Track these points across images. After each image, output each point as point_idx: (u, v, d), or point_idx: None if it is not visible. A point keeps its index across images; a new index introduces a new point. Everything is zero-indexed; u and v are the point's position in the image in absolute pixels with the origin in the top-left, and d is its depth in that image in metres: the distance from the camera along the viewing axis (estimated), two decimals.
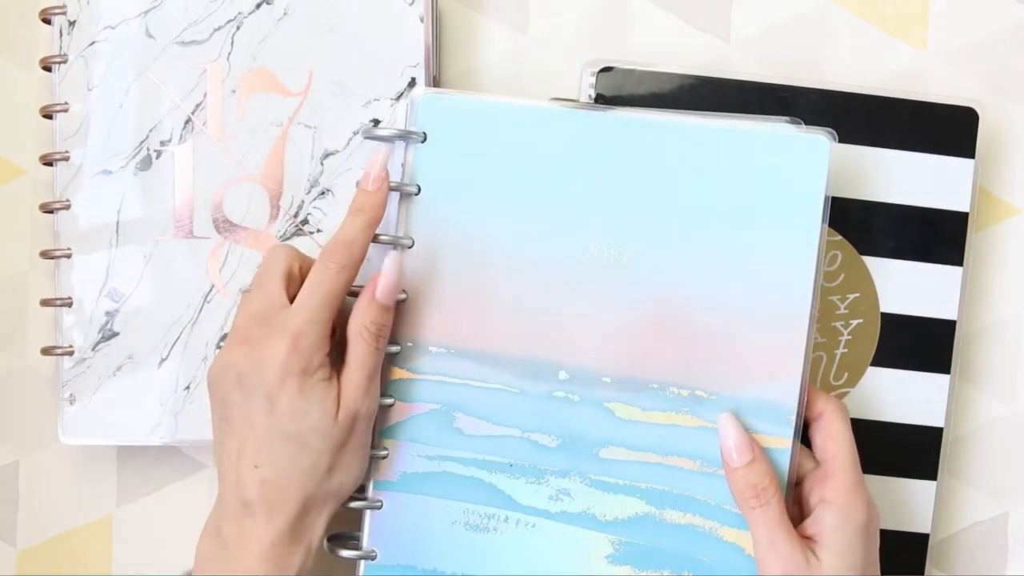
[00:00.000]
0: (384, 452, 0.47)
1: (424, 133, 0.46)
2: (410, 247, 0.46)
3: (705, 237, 0.46)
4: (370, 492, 0.47)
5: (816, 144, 0.45)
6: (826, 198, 0.45)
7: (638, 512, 0.46)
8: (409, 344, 0.46)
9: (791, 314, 0.45)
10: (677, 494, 0.46)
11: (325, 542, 0.47)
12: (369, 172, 0.45)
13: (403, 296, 0.46)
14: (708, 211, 0.46)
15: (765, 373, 0.45)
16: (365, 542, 0.47)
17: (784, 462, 0.45)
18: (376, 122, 0.49)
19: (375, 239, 0.46)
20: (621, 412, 0.46)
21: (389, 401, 0.46)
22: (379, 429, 0.47)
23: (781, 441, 0.45)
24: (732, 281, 0.46)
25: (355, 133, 0.50)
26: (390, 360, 0.46)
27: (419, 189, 0.46)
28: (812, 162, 0.45)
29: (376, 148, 0.46)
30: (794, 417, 0.45)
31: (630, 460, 0.46)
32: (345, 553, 0.47)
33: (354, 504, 0.46)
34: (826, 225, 0.45)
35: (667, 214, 0.46)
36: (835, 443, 0.45)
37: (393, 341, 0.46)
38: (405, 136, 0.46)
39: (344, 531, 0.48)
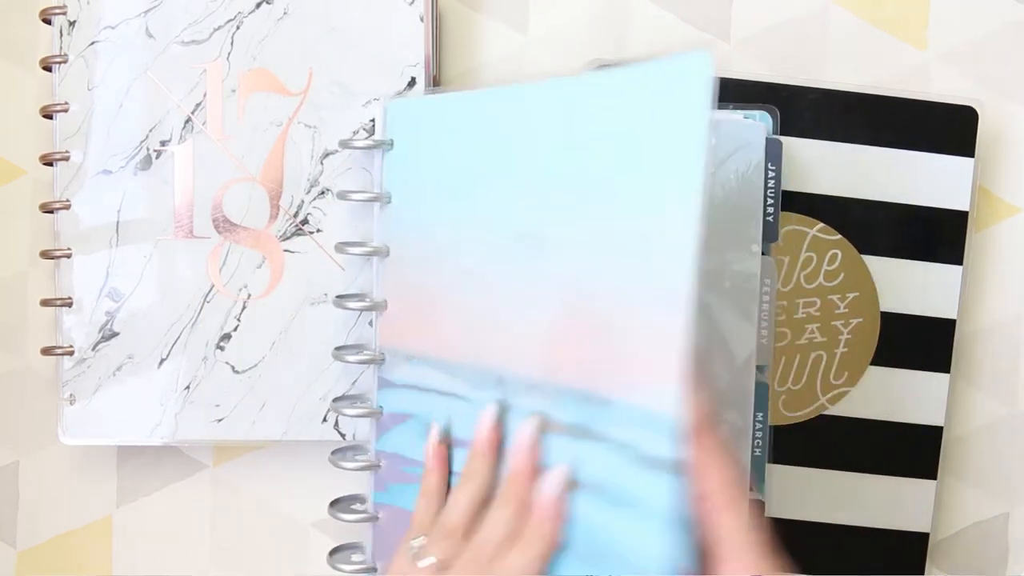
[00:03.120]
0: (379, 464, 0.47)
1: (391, 140, 0.46)
2: (387, 256, 0.46)
3: (598, 208, 0.37)
4: (369, 506, 0.47)
5: (692, 64, 0.33)
6: (708, 128, 0.32)
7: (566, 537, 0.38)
8: (392, 353, 0.46)
9: (668, 290, 0.33)
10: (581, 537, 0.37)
11: (327, 557, 0.47)
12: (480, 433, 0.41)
13: (383, 304, 0.46)
14: (600, 177, 0.37)
15: (646, 374, 0.34)
16: (368, 555, 0.47)
17: (666, 502, 0.33)
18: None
19: (345, 250, 0.47)
20: (546, 425, 0.39)
21: (377, 411, 0.47)
22: (375, 439, 0.47)
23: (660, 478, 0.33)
24: (622, 255, 0.35)
25: (340, 144, 0.49)
26: (375, 369, 0.47)
27: (390, 197, 0.46)
28: (691, 90, 0.33)
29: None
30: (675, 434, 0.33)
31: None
32: (346, 568, 0.47)
33: (350, 518, 0.46)
34: (709, 161, 0.32)
35: (567, 189, 0.38)
36: (722, 513, 0.34)
37: (376, 350, 0.47)
38: (378, 145, 0.46)
39: (345, 543, 0.48)
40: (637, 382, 0.34)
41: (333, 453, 0.48)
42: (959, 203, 0.51)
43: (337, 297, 0.48)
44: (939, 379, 0.51)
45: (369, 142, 0.47)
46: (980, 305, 0.54)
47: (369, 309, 0.47)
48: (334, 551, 0.47)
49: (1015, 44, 0.54)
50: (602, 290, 0.36)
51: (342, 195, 0.48)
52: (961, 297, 0.51)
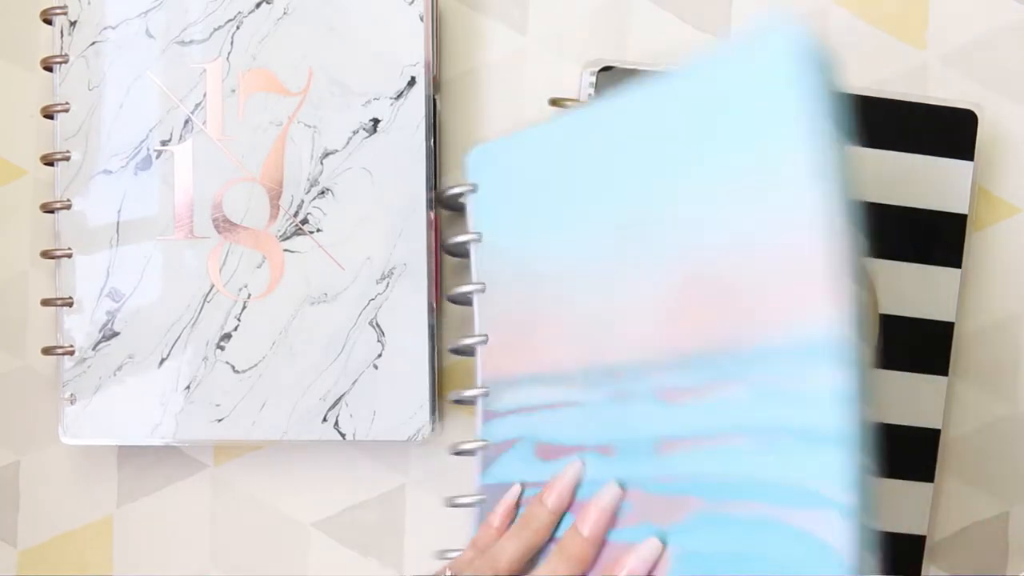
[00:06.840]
0: (482, 498, 0.47)
1: (475, 184, 0.48)
2: (483, 292, 0.47)
3: (703, 186, 0.38)
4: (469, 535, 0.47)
5: (779, 43, 0.37)
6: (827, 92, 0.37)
7: (695, 511, 0.38)
8: (492, 384, 0.47)
9: (806, 225, 0.35)
10: (735, 481, 0.37)
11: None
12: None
13: (483, 339, 0.47)
14: (700, 151, 0.39)
15: (791, 308, 0.35)
16: None
17: (840, 427, 0.35)
18: (376, 121, 0.50)
19: (458, 300, 0.48)
20: (670, 397, 0.40)
21: (481, 444, 0.47)
22: (478, 477, 0.47)
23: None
24: (739, 203, 0.37)
25: (433, 201, 0.50)
26: (478, 404, 0.47)
27: (480, 236, 0.48)
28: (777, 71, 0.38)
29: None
30: (852, 351, 0.34)
31: (686, 452, 0.39)
32: None
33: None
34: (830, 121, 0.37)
35: (666, 174, 0.40)
36: None
37: (478, 385, 0.47)
38: (467, 191, 0.48)
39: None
40: (781, 320, 0.35)
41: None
42: (958, 206, 0.51)
43: (450, 349, 0.49)
44: (937, 382, 0.51)
45: (458, 190, 0.48)
46: (979, 305, 0.54)
47: (477, 344, 0.47)
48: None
49: (1015, 44, 0.54)
50: (721, 244, 0.37)
51: (448, 248, 0.49)
52: (960, 297, 0.51)
